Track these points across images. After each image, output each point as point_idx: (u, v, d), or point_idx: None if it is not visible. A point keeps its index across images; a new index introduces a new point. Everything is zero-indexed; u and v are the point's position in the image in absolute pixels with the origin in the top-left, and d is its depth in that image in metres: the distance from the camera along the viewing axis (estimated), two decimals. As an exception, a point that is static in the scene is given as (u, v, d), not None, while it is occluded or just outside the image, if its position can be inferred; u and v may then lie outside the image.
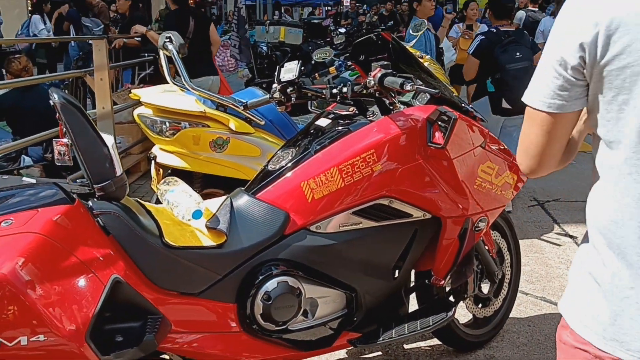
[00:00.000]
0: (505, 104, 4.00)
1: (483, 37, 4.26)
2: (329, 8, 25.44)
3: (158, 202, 3.38)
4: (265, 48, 7.86)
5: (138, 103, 3.52)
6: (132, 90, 3.45)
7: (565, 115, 1.07)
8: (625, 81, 0.97)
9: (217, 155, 3.19)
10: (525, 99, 1.12)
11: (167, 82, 3.34)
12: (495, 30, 4.23)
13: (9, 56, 4.94)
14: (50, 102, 1.65)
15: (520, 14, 8.46)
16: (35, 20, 9.21)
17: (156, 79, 5.55)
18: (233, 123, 3.16)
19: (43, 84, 5.31)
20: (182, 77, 3.18)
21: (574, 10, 1.03)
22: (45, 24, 9.15)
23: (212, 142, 3.17)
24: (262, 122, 3.28)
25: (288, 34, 8.40)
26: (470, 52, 4.29)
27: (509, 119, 4.13)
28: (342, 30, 9.96)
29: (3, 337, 1.37)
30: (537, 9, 9.91)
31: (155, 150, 3.35)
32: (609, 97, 1.01)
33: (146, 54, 5.85)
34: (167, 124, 3.20)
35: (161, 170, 3.33)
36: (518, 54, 3.95)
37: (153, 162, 3.35)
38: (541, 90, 1.07)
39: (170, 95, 3.24)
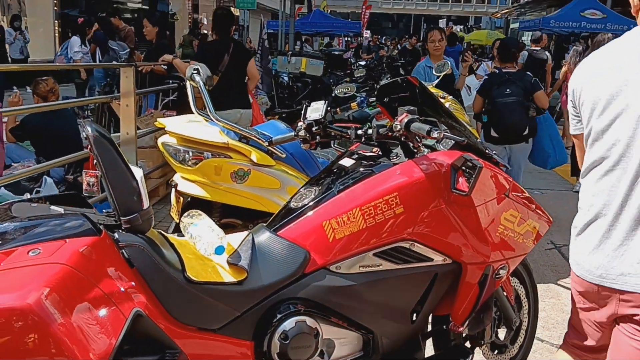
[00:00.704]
0: (493, 133, 4.57)
1: (487, 77, 4.99)
2: (349, 39, 25.77)
3: (176, 229, 3.42)
4: (286, 78, 7.96)
5: (161, 129, 3.57)
6: (158, 119, 3.51)
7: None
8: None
9: (237, 186, 3.22)
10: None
11: (192, 111, 3.41)
12: (498, 72, 4.79)
13: (36, 78, 5.04)
14: (83, 134, 1.69)
15: (524, 53, 8.58)
16: (73, 42, 9.42)
17: (179, 105, 5.63)
18: (255, 155, 3.20)
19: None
20: (207, 108, 3.24)
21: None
22: (82, 46, 9.36)
23: (233, 173, 3.21)
24: (283, 155, 3.31)
25: (309, 65, 8.51)
26: (477, 91, 4.84)
27: (510, 148, 4.63)
28: (362, 63, 10.07)
29: (24, 366, 1.38)
30: (539, 48, 10.12)
31: (176, 178, 3.39)
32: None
33: (171, 81, 5.95)
34: (190, 153, 3.24)
35: (181, 198, 3.37)
36: (508, 90, 4.48)
37: (174, 189, 3.39)
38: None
39: (194, 126, 3.29)
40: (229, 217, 3.38)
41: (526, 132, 4.50)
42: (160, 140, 3.35)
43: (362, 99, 3.93)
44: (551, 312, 3.41)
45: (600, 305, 1.75)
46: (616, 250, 1.65)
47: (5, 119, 4.68)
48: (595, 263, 1.71)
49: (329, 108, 2.19)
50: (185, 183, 3.31)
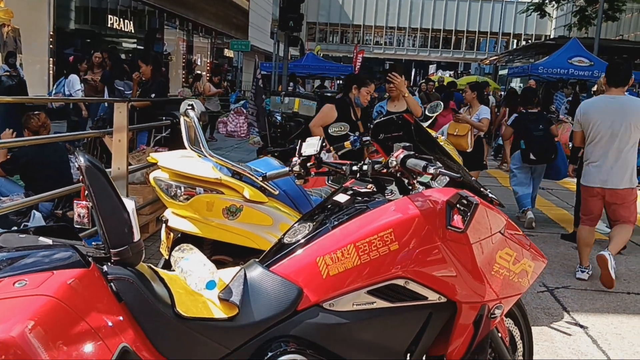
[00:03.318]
0: (532, 156, 6.59)
1: (517, 115, 7.29)
2: (341, 82, 26.12)
3: (166, 266, 3.36)
4: (279, 118, 8.02)
5: (152, 165, 3.56)
6: (150, 154, 3.50)
7: None
8: None
9: (229, 222, 3.19)
10: None
11: (184, 147, 3.40)
12: (525, 112, 6.99)
13: (27, 112, 5.04)
14: (75, 164, 1.66)
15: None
16: (74, 79, 9.44)
17: (172, 142, 5.63)
18: (247, 191, 3.17)
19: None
20: (200, 144, 3.24)
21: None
22: (82, 84, 9.39)
23: (225, 209, 3.18)
24: (276, 192, 3.29)
25: (302, 106, 8.58)
26: (509, 123, 7.19)
27: (536, 166, 6.80)
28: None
29: (4, 402, 1.33)
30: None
31: (167, 213, 3.35)
32: None
33: (163, 118, 5.97)
34: (182, 188, 3.21)
35: (171, 234, 3.32)
36: (541, 126, 6.64)
37: (164, 225, 3.35)
38: None
39: (187, 161, 3.27)
40: (220, 253, 3.33)
41: (553, 155, 6.62)
42: (152, 175, 3.32)
43: (355, 137, 3.94)
44: (544, 355, 3.36)
45: (600, 196, 4.73)
46: (607, 173, 4.61)
47: (-5, 153, 4.65)
48: (600, 178, 4.67)
49: (323, 144, 2.19)
50: (176, 219, 3.28)
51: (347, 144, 3.93)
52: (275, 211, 3.26)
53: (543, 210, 7.59)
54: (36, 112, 4.89)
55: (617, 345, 3.58)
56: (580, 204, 5.27)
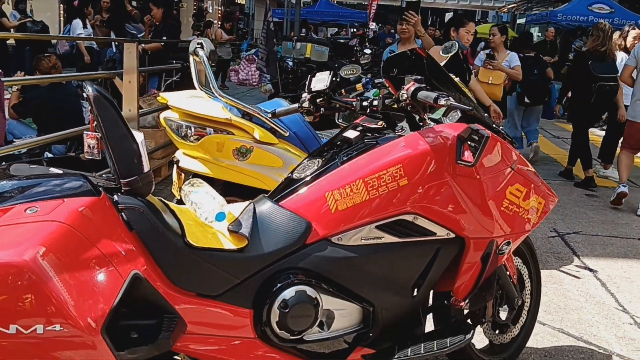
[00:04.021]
0: (526, 99, 6.95)
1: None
2: (355, 30, 25.64)
3: (179, 204, 3.39)
4: (291, 63, 7.91)
5: (163, 108, 3.54)
6: (160, 94, 3.48)
7: None
8: None
9: (239, 163, 3.19)
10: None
11: (194, 88, 3.38)
12: (522, 55, 6.67)
13: (38, 55, 5.02)
14: (84, 94, 1.65)
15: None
16: (75, 24, 9.34)
17: (182, 86, 5.59)
18: (257, 132, 3.16)
19: (71, 83, 5.37)
20: (210, 84, 3.21)
21: None
22: (85, 28, 9.27)
23: (235, 150, 3.17)
24: (287, 134, 3.28)
25: (314, 51, 8.45)
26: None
27: (529, 108, 7.14)
28: (368, 51, 10.01)
29: (20, 324, 1.36)
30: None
31: (178, 154, 3.36)
32: None
33: (174, 61, 5.91)
34: (192, 129, 3.21)
35: (183, 175, 3.34)
36: (535, 70, 6.85)
37: (175, 166, 3.36)
38: None
39: (197, 101, 3.25)
40: (231, 195, 3.34)
41: (547, 98, 7.09)
42: (162, 115, 3.32)
43: (367, 80, 3.87)
44: (553, 297, 3.39)
45: None
46: None
47: (8, 95, 4.66)
48: None
49: (334, 79, 2.15)
50: (187, 159, 3.28)
51: (359, 86, 3.86)
52: (285, 153, 3.25)
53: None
54: (46, 54, 4.86)
55: (625, 289, 3.60)
56: (576, 145, 6.39)
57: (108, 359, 1.44)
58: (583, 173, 6.28)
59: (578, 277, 3.73)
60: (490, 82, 6.00)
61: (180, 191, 3.36)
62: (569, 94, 6.71)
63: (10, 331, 1.35)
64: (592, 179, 6.22)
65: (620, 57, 6.12)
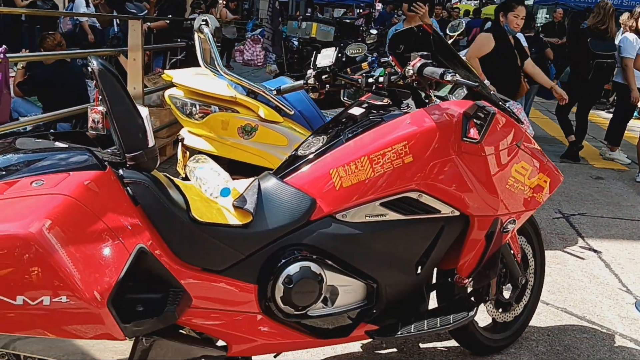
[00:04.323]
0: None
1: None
2: (360, 11, 25.41)
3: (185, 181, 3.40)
4: (296, 43, 7.87)
5: (168, 87, 3.54)
6: (165, 72, 3.46)
7: None
8: None
9: (244, 141, 3.19)
10: None
11: (199, 67, 3.36)
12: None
13: (42, 33, 5.00)
14: (89, 68, 1.65)
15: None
16: (79, 3, 9.27)
17: (187, 65, 5.57)
18: (262, 110, 3.15)
19: (75, 62, 5.36)
20: (215, 61, 3.19)
21: None
22: (88, 7, 9.21)
23: (240, 128, 3.17)
24: (292, 112, 3.26)
25: (320, 31, 8.39)
26: None
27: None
28: (374, 31, 9.91)
29: (26, 295, 1.37)
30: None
31: (183, 132, 3.36)
32: None
33: (179, 40, 5.88)
34: (197, 106, 3.20)
35: (187, 153, 3.34)
36: (533, 49, 6.49)
37: (180, 144, 3.36)
38: None
39: (202, 78, 3.24)
40: (235, 173, 3.34)
41: None
42: (167, 93, 3.31)
43: (373, 59, 3.85)
44: (557, 277, 3.39)
45: None
46: None
47: (13, 73, 4.65)
48: None
49: (339, 55, 2.14)
50: (192, 137, 3.28)
51: (364, 65, 3.84)
52: (290, 131, 3.24)
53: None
54: (51, 32, 4.84)
55: (630, 270, 3.60)
56: (579, 124, 6.46)
57: (114, 331, 1.45)
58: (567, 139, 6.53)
59: (582, 258, 3.73)
60: None
61: (184, 169, 3.37)
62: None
63: (17, 302, 1.36)
64: (575, 150, 6.40)
65: (633, 38, 6.04)
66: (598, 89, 6.49)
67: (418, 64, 1.86)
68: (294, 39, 7.95)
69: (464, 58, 2.17)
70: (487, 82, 4.24)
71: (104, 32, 9.15)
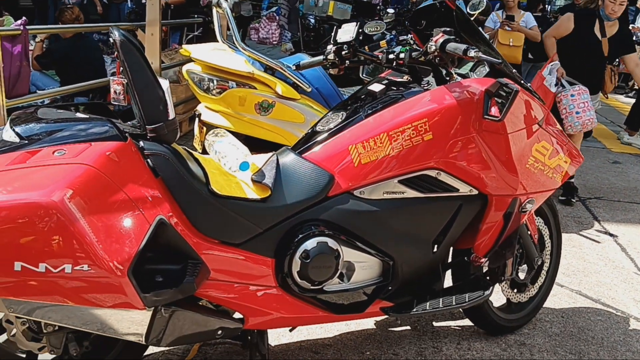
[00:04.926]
0: (530, 55, 6.23)
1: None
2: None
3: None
4: (312, 21, 7.79)
5: (185, 63, 3.53)
6: (183, 46, 3.46)
7: None
8: None
9: (261, 118, 3.19)
10: None
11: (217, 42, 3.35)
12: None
13: (61, 6, 5.00)
14: (110, 39, 1.64)
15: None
16: None
17: (204, 41, 5.55)
18: (280, 87, 3.14)
19: (92, 35, 5.36)
20: (233, 36, 3.18)
21: None
22: None
23: (257, 104, 3.16)
24: (309, 89, 3.25)
25: (337, 9, 8.30)
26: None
27: (533, 65, 6.36)
28: (391, 10, 9.80)
29: (49, 263, 1.39)
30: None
31: (200, 108, 3.36)
32: None
33: (195, 16, 5.85)
34: (215, 82, 3.20)
35: (204, 129, 3.34)
36: (540, 28, 5.92)
37: (197, 119, 3.37)
38: None
39: (220, 54, 3.23)
40: (252, 150, 3.36)
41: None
42: (185, 68, 3.31)
43: (392, 37, 3.82)
44: (572, 260, 3.38)
45: None
46: None
47: (31, 47, 4.66)
48: None
49: (360, 30, 2.11)
50: (209, 113, 3.28)
51: (382, 43, 3.82)
52: (307, 108, 3.23)
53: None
54: (69, 6, 4.85)
55: (645, 254, 3.58)
56: None
57: (134, 300, 1.47)
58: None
59: (598, 242, 3.70)
60: (510, 44, 5.83)
61: (200, 145, 3.38)
62: None
63: (39, 269, 1.38)
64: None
65: None
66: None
67: (441, 40, 1.84)
68: (311, 16, 7.87)
69: (487, 35, 2.13)
70: (557, 62, 4.10)
71: (119, 8, 9.12)
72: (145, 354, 2.00)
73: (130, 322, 1.60)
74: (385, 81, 2.12)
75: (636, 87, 8.61)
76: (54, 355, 1.75)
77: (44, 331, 1.67)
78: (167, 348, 2.16)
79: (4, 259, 1.37)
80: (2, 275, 1.38)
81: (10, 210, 1.35)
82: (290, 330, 2.14)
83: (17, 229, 1.35)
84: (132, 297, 1.46)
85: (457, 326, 2.55)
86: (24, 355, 1.78)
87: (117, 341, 1.82)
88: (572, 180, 4.31)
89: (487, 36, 2.11)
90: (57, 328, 1.67)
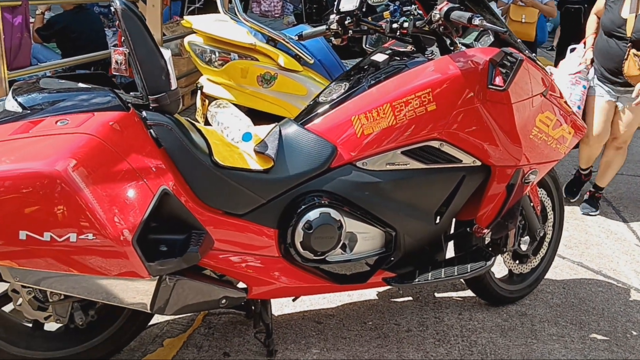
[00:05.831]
0: None
1: None
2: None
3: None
4: (315, -10, 7.68)
5: (186, 35, 3.50)
6: (185, 17, 3.43)
7: None
8: None
9: (263, 90, 3.17)
10: None
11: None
12: None
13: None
14: (111, 7, 1.63)
15: None
16: None
17: (206, 13, 5.50)
18: (282, 59, 3.13)
19: (92, 7, 5.31)
20: (235, 8, 3.15)
21: None
22: None
23: (259, 76, 3.15)
24: (311, 61, 3.23)
25: (339, -20, 8.19)
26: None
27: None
28: (395, -18, 9.65)
29: (53, 232, 1.40)
30: None
31: (202, 80, 3.35)
32: None
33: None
34: (217, 53, 3.18)
35: (207, 101, 3.34)
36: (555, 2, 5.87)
37: (199, 92, 3.36)
38: None
39: (221, 25, 3.21)
40: (254, 122, 3.35)
41: None
42: (187, 40, 3.29)
43: (395, 7, 3.78)
44: (574, 232, 3.39)
45: None
46: None
47: (32, 19, 4.63)
48: None
49: (363, 0, 2.09)
50: (211, 85, 3.27)
51: (386, 14, 3.76)
52: (309, 80, 3.22)
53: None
54: (69, -22, 4.78)
55: (647, 227, 3.58)
56: None
57: (139, 269, 1.48)
58: None
59: (599, 214, 3.71)
60: (523, 20, 5.49)
61: (203, 117, 3.38)
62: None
63: (44, 238, 1.40)
64: None
65: None
66: (568, 35, 5.96)
67: (445, 8, 1.82)
68: (313, -14, 7.77)
69: (493, 5, 2.11)
70: (577, 46, 3.64)
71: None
72: (150, 323, 2.03)
73: (135, 291, 1.62)
74: (389, 51, 2.10)
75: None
76: (60, 324, 1.77)
77: (50, 300, 1.69)
78: (172, 317, 2.18)
79: (9, 227, 1.38)
80: (7, 244, 1.39)
81: (15, 180, 1.36)
82: (294, 300, 2.16)
83: (21, 198, 1.36)
84: (137, 265, 1.47)
85: (458, 297, 2.57)
86: (30, 325, 1.81)
87: (122, 310, 1.84)
88: (602, 192, 3.97)
89: (495, 7, 2.08)
90: (62, 297, 1.69)
